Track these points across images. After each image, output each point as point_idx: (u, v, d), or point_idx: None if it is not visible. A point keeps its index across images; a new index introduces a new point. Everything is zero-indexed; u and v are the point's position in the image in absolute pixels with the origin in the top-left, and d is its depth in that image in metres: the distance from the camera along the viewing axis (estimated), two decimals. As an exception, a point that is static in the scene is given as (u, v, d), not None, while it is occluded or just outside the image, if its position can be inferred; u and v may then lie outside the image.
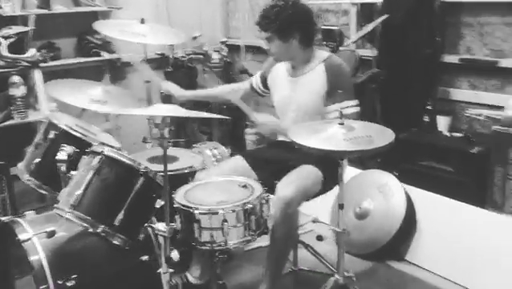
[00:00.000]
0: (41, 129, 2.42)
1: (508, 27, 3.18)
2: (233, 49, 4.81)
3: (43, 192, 2.37)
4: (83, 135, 2.36)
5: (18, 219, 2.17)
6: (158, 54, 4.27)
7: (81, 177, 1.98)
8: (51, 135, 2.32)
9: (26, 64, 3.49)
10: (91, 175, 1.95)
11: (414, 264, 2.93)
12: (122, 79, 4.27)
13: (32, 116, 3.41)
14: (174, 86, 2.89)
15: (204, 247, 2.11)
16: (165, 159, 1.79)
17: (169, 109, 1.77)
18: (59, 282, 1.96)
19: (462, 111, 3.40)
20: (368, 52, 3.60)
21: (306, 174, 2.37)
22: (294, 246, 2.71)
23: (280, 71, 2.60)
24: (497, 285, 2.58)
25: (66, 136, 2.33)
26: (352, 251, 3.00)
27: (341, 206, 1.96)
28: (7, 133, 3.40)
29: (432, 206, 2.95)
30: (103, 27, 3.15)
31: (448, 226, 2.84)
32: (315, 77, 2.43)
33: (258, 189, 2.23)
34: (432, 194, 2.99)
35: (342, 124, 1.87)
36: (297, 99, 2.49)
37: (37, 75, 3.53)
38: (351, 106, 2.35)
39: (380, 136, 1.86)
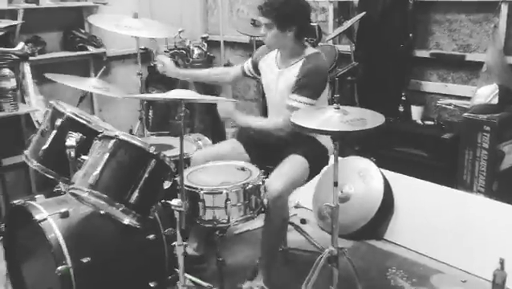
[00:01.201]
0: (46, 117, 2.52)
1: (474, 24, 3.46)
2: (213, 44, 4.96)
3: (50, 176, 2.47)
4: (87, 122, 2.48)
5: (31, 202, 2.28)
6: (141, 48, 4.34)
7: (96, 160, 2.09)
8: (58, 122, 2.43)
9: (16, 57, 3.53)
10: (107, 157, 2.06)
11: (392, 242, 3.13)
12: (107, 74, 4.35)
13: (22, 108, 3.46)
14: (170, 61, 2.92)
15: (207, 225, 2.28)
16: (181, 141, 1.95)
17: (185, 94, 1.93)
18: (76, 258, 2.09)
19: (433, 102, 3.67)
20: (347, 47, 3.81)
21: (295, 166, 2.50)
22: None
23: (270, 59, 2.69)
24: (467, 257, 2.82)
25: (71, 123, 2.43)
26: (335, 232, 3.20)
27: (335, 184, 2.14)
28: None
29: (408, 188, 3.17)
30: (98, 21, 3.24)
31: (422, 206, 3.06)
32: (294, 71, 2.53)
33: (255, 171, 2.41)
34: (407, 177, 3.21)
35: (338, 108, 2.06)
36: (278, 90, 2.61)
37: (26, 68, 3.58)
38: (303, 103, 2.44)
39: (373, 118, 2.05)
